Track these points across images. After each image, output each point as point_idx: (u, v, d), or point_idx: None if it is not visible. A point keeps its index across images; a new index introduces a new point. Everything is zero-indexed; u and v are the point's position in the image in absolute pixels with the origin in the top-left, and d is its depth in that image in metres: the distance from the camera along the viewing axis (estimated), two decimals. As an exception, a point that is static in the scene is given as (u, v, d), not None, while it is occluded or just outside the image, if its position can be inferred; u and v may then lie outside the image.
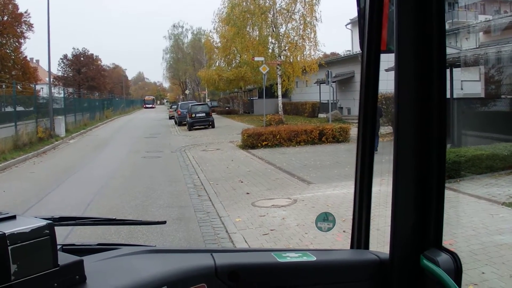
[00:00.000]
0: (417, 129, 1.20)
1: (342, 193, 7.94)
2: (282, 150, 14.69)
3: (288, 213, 6.86)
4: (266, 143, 15.50)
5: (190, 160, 13.53)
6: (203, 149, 16.22)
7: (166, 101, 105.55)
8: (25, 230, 1.00)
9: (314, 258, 1.35)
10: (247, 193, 8.42)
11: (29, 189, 9.73)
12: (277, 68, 23.99)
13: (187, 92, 68.01)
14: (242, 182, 9.60)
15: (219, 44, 34.20)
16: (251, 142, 15.47)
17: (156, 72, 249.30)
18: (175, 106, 37.66)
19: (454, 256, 1.18)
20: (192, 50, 61.43)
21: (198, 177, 10.62)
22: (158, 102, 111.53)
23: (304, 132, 15.88)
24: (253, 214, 6.99)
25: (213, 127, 25.42)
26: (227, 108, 44.70)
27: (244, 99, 41.89)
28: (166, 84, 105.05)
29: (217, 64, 34.90)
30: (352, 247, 1.52)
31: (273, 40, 24.58)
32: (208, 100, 50.91)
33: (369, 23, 1.34)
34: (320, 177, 9.76)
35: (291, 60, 24.07)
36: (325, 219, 1.68)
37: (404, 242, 1.25)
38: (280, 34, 23.82)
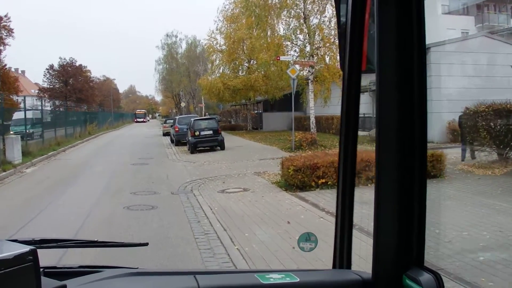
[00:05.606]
0: (399, 149, 1.16)
1: None
2: (356, 194, 8.93)
3: None
4: (324, 180, 9.74)
5: (207, 217, 7.68)
6: (222, 189, 10.40)
7: (158, 115, 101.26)
8: (8, 257, 0.96)
9: (297, 279, 1.31)
10: None
11: None
12: (309, 71, 18.14)
13: (182, 104, 62.34)
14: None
15: (224, 47, 28.65)
16: (300, 180, 9.70)
17: (148, 85, 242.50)
18: (171, 121, 31.64)
19: (436, 275, 1.13)
20: (187, 60, 56.74)
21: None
22: (150, 116, 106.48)
23: (379, 162, 10.14)
24: None
25: (222, 148, 19.50)
26: (229, 123, 38.84)
27: (253, 112, 35.78)
28: (158, 98, 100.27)
29: (221, 70, 29.20)
30: (334, 266, 1.49)
31: (301, 37, 18.83)
32: (206, 113, 45.17)
33: (350, 43, 1.30)
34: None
35: (328, 61, 18.33)
36: (308, 239, 1.67)
37: (387, 262, 1.21)
38: (312, 26, 18.00)
